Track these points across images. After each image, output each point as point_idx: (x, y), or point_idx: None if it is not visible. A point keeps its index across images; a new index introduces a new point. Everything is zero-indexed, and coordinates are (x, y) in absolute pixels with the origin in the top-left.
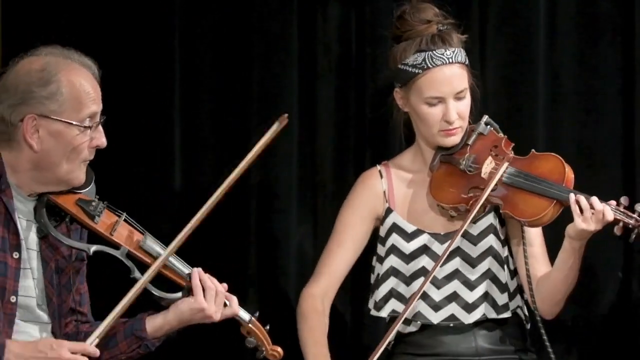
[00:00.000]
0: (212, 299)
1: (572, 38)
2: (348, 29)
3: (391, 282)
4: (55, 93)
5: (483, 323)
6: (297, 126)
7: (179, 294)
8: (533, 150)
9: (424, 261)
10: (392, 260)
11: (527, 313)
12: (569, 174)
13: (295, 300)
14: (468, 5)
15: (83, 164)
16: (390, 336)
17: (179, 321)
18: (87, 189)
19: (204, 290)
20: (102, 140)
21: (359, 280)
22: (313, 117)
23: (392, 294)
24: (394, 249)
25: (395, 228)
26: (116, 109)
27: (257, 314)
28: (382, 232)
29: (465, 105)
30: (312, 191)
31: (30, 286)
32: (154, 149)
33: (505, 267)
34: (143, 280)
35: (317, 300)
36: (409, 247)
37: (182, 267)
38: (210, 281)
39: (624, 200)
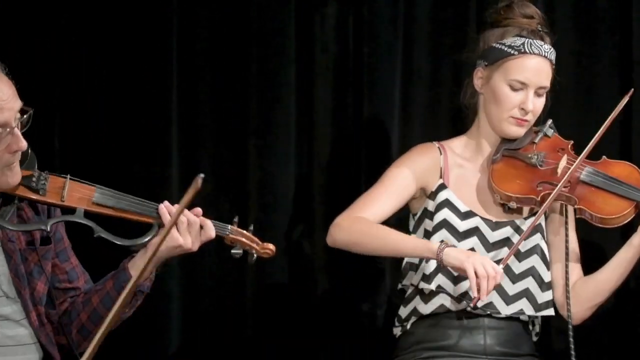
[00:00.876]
0: (185, 232)
1: (569, 36)
2: (346, 28)
3: None
4: None
5: (496, 322)
6: (295, 125)
7: (149, 236)
8: (604, 156)
9: (474, 242)
10: (443, 234)
11: (538, 327)
12: None
13: (293, 299)
14: (466, 4)
15: (7, 168)
16: (404, 314)
17: (159, 259)
18: (26, 162)
19: (175, 224)
20: (19, 145)
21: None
22: (310, 116)
23: (440, 268)
24: (445, 224)
25: (447, 204)
26: (114, 108)
27: (236, 219)
28: (432, 206)
29: (541, 103)
30: (309, 190)
31: None
32: (152, 148)
33: (548, 267)
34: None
35: (364, 217)
36: (462, 225)
37: (146, 206)
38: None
39: None
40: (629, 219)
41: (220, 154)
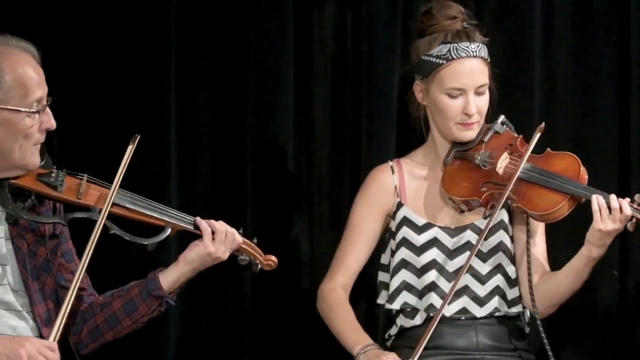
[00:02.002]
0: (221, 241)
1: (567, 36)
2: (344, 28)
3: (403, 275)
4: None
5: (486, 319)
6: (293, 125)
7: (162, 237)
8: (548, 149)
9: (434, 253)
10: (403, 253)
11: (528, 314)
12: (584, 173)
13: (291, 300)
14: (463, 4)
15: (35, 147)
16: (393, 331)
17: (192, 270)
18: (42, 162)
19: (213, 233)
20: (51, 123)
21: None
22: (309, 116)
23: (404, 286)
24: (404, 242)
25: (405, 221)
26: (114, 108)
27: (241, 230)
28: (393, 226)
29: (484, 101)
30: (308, 190)
31: None
32: (150, 148)
33: (514, 263)
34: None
35: (339, 291)
36: (419, 239)
37: (159, 208)
38: (219, 224)
39: (637, 197)
40: (568, 212)
41: (218, 153)
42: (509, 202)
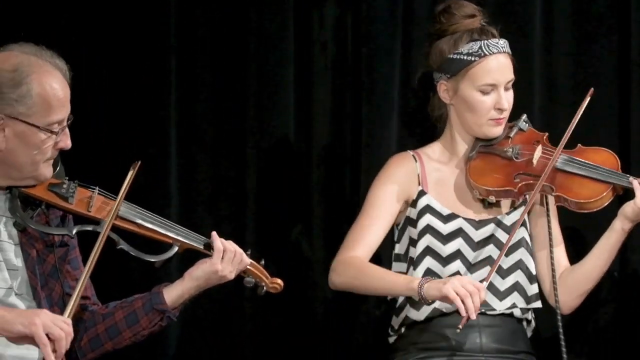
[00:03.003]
0: (229, 260)
1: (567, 37)
2: (344, 29)
3: (427, 262)
4: (25, 96)
5: (490, 319)
6: (293, 125)
7: (170, 254)
8: (579, 144)
9: (459, 244)
10: (428, 240)
11: (533, 317)
12: (620, 164)
13: (291, 301)
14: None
15: (47, 162)
16: (395, 323)
17: (197, 287)
18: (55, 171)
19: (223, 252)
20: (67, 143)
21: None
22: (309, 117)
23: (430, 273)
24: (429, 229)
25: (429, 209)
26: (113, 107)
27: (249, 251)
28: (414, 214)
29: (512, 96)
30: (307, 190)
31: (4, 277)
32: (151, 148)
33: (533, 260)
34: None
35: (363, 257)
36: (445, 228)
37: (169, 225)
38: (229, 243)
39: None
40: (607, 203)
41: (218, 154)
42: (549, 192)
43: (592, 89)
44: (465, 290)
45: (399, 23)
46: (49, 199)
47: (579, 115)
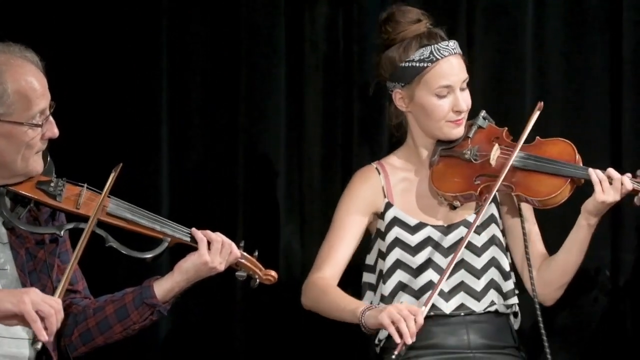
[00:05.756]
0: (217, 251)
1: (559, 36)
2: (335, 28)
3: (398, 275)
4: (2, 95)
5: (477, 315)
6: (284, 124)
7: (159, 251)
8: (538, 137)
9: (429, 252)
10: (397, 253)
11: (518, 309)
12: (578, 156)
13: (282, 299)
14: (455, 3)
15: (37, 155)
16: (382, 335)
17: (186, 280)
18: (45, 167)
19: (208, 243)
20: (53, 131)
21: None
22: (300, 116)
23: (401, 286)
24: (397, 242)
25: (397, 221)
26: (104, 106)
27: (242, 244)
28: (382, 226)
29: (468, 95)
30: (299, 190)
31: None
32: (141, 147)
33: (506, 256)
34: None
35: (329, 279)
36: (413, 239)
37: (158, 221)
38: (215, 234)
39: (639, 172)
40: (569, 195)
41: (210, 153)
42: (509, 192)
43: (540, 102)
44: (399, 316)
45: None
46: (37, 196)
47: (529, 130)
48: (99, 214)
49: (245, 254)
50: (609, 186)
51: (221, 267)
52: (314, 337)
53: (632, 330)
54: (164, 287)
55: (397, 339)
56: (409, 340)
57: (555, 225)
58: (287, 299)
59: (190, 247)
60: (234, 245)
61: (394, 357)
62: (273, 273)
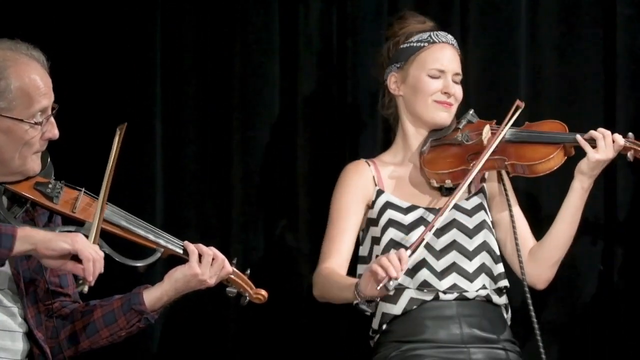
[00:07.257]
0: (208, 264)
1: (553, 31)
2: (330, 22)
3: None
4: (5, 91)
5: (468, 309)
6: (278, 118)
7: (152, 260)
8: (527, 122)
9: (422, 232)
10: (391, 234)
11: (507, 301)
12: (567, 129)
13: (277, 293)
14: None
15: (35, 155)
16: (375, 324)
17: (175, 290)
18: (44, 169)
19: (200, 256)
20: (53, 132)
21: None
22: (294, 110)
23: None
24: (391, 223)
25: (389, 205)
26: (98, 103)
27: (235, 261)
28: (374, 214)
29: (460, 90)
30: (293, 184)
31: None
32: (135, 143)
33: (496, 241)
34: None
35: (335, 268)
36: (406, 219)
37: (153, 231)
38: (207, 248)
39: (630, 135)
40: (559, 163)
41: (204, 148)
42: (501, 165)
43: (518, 100)
44: (388, 262)
45: (384, 17)
46: (34, 197)
47: (508, 127)
48: (106, 194)
49: (237, 270)
50: (603, 145)
51: (212, 281)
52: (308, 326)
53: (625, 324)
54: (154, 295)
55: (382, 274)
56: (393, 273)
57: (550, 221)
58: (281, 293)
59: (183, 260)
60: (226, 260)
61: (368, 307)
62: (263, 292)
